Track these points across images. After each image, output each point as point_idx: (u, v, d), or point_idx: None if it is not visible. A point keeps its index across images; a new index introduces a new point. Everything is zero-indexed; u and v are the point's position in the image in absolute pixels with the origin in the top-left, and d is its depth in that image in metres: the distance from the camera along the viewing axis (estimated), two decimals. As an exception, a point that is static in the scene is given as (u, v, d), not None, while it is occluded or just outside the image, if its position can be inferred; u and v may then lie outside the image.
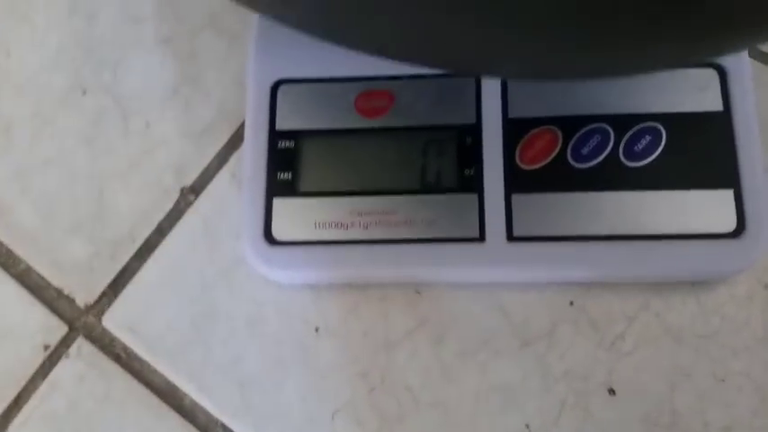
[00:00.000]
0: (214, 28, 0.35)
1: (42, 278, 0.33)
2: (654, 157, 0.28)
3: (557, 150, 0.29)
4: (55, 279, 0.33)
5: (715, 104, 0.29)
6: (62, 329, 0.32)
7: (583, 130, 0.29)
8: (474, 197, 0.29)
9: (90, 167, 0.34)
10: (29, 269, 0.33)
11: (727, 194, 0.28)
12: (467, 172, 0.29)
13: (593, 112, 0.29)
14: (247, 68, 0.32)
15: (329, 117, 0.30)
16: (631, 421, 0.29)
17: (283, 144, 0.30)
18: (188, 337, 0.31)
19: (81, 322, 0.32)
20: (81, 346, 0.32)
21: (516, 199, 0.29)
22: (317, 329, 0.31)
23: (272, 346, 0.31)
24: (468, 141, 0.30)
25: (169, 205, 0.33)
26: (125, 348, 0.32)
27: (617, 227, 0.28)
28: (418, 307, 0.31)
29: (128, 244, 0.33)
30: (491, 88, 0.30)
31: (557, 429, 0.29)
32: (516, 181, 0.29)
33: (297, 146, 0.30)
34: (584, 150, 0.29)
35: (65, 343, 0.32)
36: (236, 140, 0.34)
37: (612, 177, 0.29)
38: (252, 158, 0.30)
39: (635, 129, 0.29)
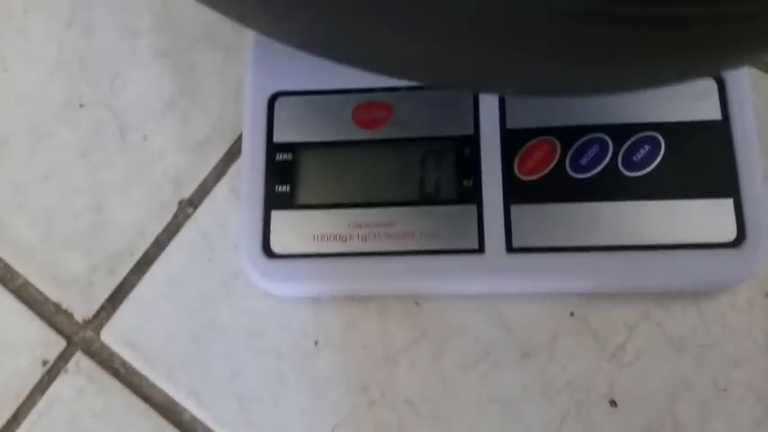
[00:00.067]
0: (211, 41, 0.35)
1: (40, 293, 0.33)
2: (653, 166, 0.28)
3: (555, 161, 0.29)
4: (53, 293, 0.33)
5: (714, 113, 0.29)
6: (60, 344, 0.32)
7: (581, 141, 0.29)
8: (473, 208, 0.29)
9: (87, 181, 0.34)
10: (27, 284, 0.33)
11: (727, 204, 0.28)
12: (465, 183, 0.29)
13: (591, 122, 0.29)
14: (244, 81, 0.32)
15: (327, 129, 0.30)
16: (633, 432, 0.29)
17: (281, 156, 0.30)
18: (187, 351, 0.31)
19: (79, 337, 0.32)
20: (79, 360, 0.32)
21: (515, 210, 0.29)
22: (316, 342, 0.31)
23: (271, 360, 0.31)
24: (466, 152, 0.29)
25: (167, 218, 0.33)
26: (124, 363, 0.32)
27: (616, 237, 0.28)
28: (418, 319, 0.31)
29: (126, 258, 0.33)
30: (489, 99, 0.30)
31: (558, 441, 0.29)
32: (515, 192, 0.29)
33: (295, 158, 0.30)
34: (583, 160, 0.29)
35: (63, 358, 0.32)
36: (233, 153, 0.34)
37: (611, 187, 0.28)
38: (250, 171, 0.30)
39: (633, 138, 0.29)
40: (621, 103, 0.29)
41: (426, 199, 0.29)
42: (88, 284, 0.33)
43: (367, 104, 0.30)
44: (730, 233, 0.28)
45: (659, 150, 0.28)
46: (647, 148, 0.29)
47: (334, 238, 0.29)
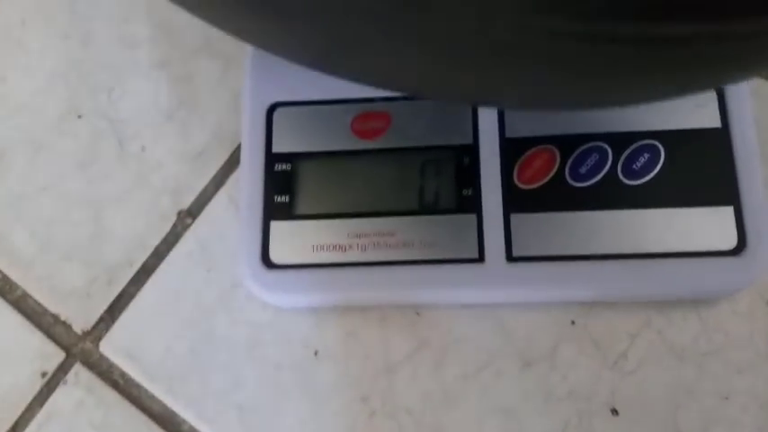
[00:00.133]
0: (209, 51, 0.35)
1: (39, 304, 0.33)
2: (652, 174, 0.28)
3: (555, 169, 0.29)
4: (52, 305, 0.33)
5: (713, 121, 0.29)
6: (59, 356, 0.32)
7: (581, 149, 0.29)
8: (472, 217, 0.29)
9: (86, 192, 0.34)
10: (25, 295, 0.33)
11: (727, 211, 0.28)
12: (465, 192, 0.29)
13: (590, 130, 0.29)
14: (243, 91, 0.32)
15: (326, 139, 0.30)
16: (635, 442, 0.28)
17: (280, 167, 0.30)
18: (186, 362, 0.31)
19: (78, 348, 0.32)
20: (78, 372, 0.32)
21: (515, 219, 0.29)
22: (316, 353, 0.31)
23: (270, 371, 0.31)
24: (465, 162, 0.29)
25: (166, 229, 0.33)
26: (123, 374, 0.31)
27: (617, 245, 0.28)
28: (418, 329, 0.30)
29: (125, 269, 0.33)
30: (488, 109, 0.30)
31: (560, 451, 0.29)
32: (515, 201, 0.29)
33: (294, 168, 0.30)
34: (583, 169, 0.29)
35: (62, 369, 0.32)
36: (232, 163, 0.33)
37: (611, 196, 0.28)
38: (248, 182, 0.30)
39: (633, 147, 0.29)
40: (620, 111, 0.29)
41: (426, 208, 0.29)
42: (87, 296, 0.32)
43: (366, 114, 0.30)
44: (731, 241, 0.27)
45: (659, 158, 0.28)
46: (646, 156, 0.29)
47: (334, 248, 0.29)
